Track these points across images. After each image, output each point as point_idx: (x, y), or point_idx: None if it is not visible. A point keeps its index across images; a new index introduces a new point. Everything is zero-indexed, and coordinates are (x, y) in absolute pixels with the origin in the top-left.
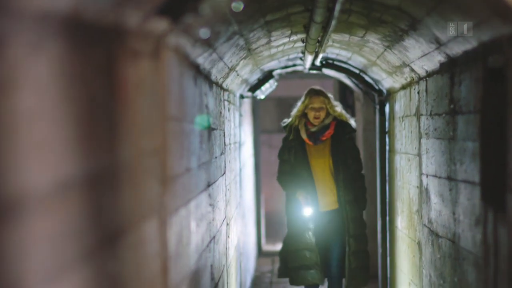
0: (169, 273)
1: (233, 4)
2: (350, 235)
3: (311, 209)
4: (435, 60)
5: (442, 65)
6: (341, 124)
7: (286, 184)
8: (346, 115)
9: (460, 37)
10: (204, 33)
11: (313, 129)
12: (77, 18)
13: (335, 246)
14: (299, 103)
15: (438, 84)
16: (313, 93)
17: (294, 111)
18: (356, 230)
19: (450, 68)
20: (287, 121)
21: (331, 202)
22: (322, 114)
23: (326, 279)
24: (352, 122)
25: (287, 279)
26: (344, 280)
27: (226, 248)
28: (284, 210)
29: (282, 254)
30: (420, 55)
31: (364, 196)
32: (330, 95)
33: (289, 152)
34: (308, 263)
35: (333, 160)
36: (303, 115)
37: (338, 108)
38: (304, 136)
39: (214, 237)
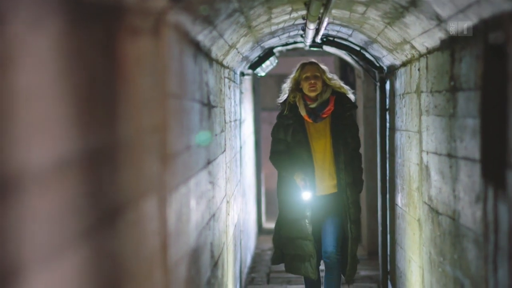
0: (168, 251)
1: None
2: (352, 221)
3: (310, 193)
4: (435, 37)
5: (442, 42)
6: (340, 99)
7: (281, 164)
8: (345, 87)
9: (461, 13)
10: (204, 10)
11: (312, 105)
12: None
13: (332, 232)
14: (290, 76)
15: (438, 61)
16: (306, 63)
17: (286, 86)
18: (356, 215)
19: (451, 45)
20: (282, 97)
21: (330, 186)
22: (319, 83)
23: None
24: (351, 96)
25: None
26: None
27: (226, 226)
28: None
29: (276, 240)
30: (421, 32)
31: (361, 177)
32: (325, 67)
33: (285, 130)
34: (303, 254)
35: (333, 139)
36: (298, 89)
37: (335, 80)
38: (303, 113)
39: (214, 215)
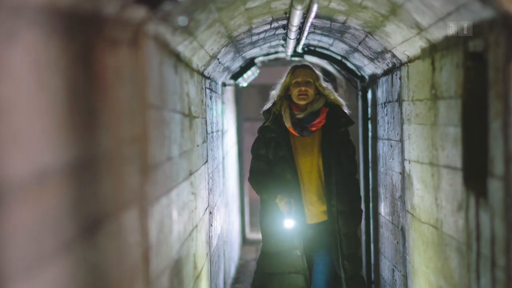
0: (150, 263)
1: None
2: (344, 257)
3: (294, 221)
4: (416, 45)
5: (423, 50)
6: (334, 112)
7: (261, 186)
8: (340, 100)
9: (441, 22)
10: (183, 20)
11: (299, 116)
12: (53, 6)
13: (322, 268)
14: (280, 82)
15: (419, 70)
16: (297, 67)
17: (274, 92)
18: (350, 249)
19: (431, 53)
20: (267, 105)
21: (319, 213)
22: (310, 91)
23: None
24: (346, 109)
25: None
26: None
27: (209, 237)
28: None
29: (258, 279)
30: (401, 41)
31: (359, 206)
32: (319, 73)
33: (267, 145)
34: None
35: (324, 158)
36: (287, 97)
37: (330, 91)
38: (288, 123)
39: (196, 226)
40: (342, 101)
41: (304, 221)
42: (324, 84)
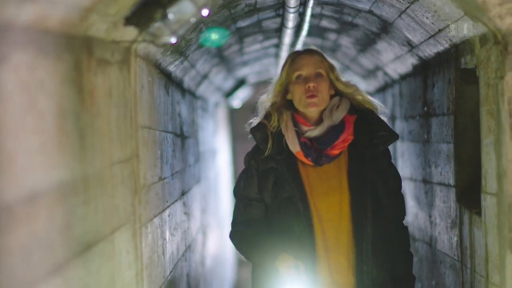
0: (143, 283)
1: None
2: None
3: None
4: (408, 62)
5: (415, 67)
6: (365, 120)
7: (252, 245)
8: (372, 100)
9: (432, 39)
10: (173, 40)
11: (312, 133)
12: (42, 27)
13: None
14: (273, 81)
15: (411, 87)
16: (298, 52)
17: (265, 98)
18: None
19: (423, 70)
20: (256, 120)
21: (348, 284)
22: (323, 90)
23: None
24: (383, 109)
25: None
26: None
27: (203, 257)
28: None
29: None
30: (393, 58)
31: (409, 272)
32: (333, 61)
33: (261, 182)
34: None
35: (354, 197)
36: (286, 104)
37: (354, 87)
38: (294, 147)
39: (189, 246)
40: (376, 102)
41: None
42: (344, 77)
